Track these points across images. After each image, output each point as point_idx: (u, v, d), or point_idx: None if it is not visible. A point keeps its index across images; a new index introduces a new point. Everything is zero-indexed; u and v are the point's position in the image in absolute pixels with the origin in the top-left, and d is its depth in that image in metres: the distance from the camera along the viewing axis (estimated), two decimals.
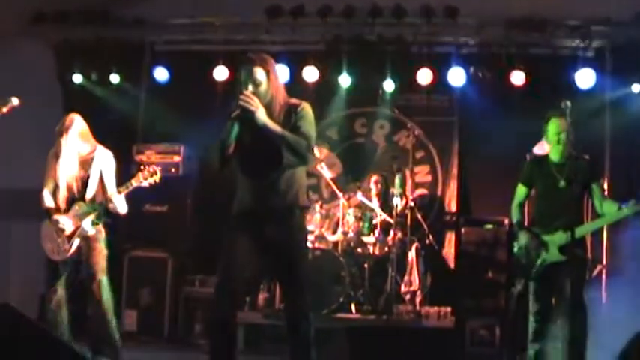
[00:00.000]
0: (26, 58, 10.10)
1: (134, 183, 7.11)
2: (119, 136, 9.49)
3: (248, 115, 5.45)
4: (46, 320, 7.17)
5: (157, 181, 7.15)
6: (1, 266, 9.78)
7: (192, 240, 9.80)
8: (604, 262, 8.80)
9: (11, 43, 9.94)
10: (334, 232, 9.26)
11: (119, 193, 7.11)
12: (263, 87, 5.62)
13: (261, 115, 5.48)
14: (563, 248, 6.71)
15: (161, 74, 10.35)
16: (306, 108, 5.76)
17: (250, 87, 5.58)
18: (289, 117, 5.67)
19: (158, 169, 7.15)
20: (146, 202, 9.56)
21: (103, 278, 7.24)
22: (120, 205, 7.16)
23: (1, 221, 9.99)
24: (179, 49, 10.54)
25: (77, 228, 7.14)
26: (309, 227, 8.89)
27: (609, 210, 6.82)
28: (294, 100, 5.80)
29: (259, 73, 5.62)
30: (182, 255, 9.62)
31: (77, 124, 7.26)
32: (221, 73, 10.07)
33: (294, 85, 9.41)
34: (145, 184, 7.13)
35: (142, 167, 7.31)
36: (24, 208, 9.16)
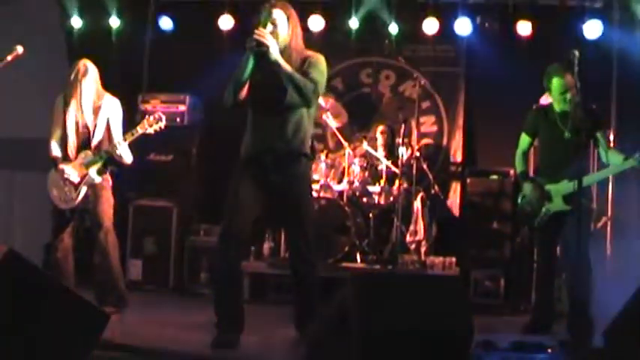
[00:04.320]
0: (29, 6, 10.01)
1: (139, 130, 7.09)
2: (123, 84, 9.45)
3: (262, 49, 5.54)
4: (52, 269, 7.19)
5: (162, 127, 7.14)
6: (3, 216, 9.78)
7: (197, 189, 9.80)
8: (609, 214, 8.78)
9: None
10: (340, 181, 9.25)
11: (124, 140, 7.09)
12: (281, 29, 5.75)
13: (275, 51, 5.59)
14: (568, 198, 6.69)
15: (166, 23, 10.30)
16: (320, 59, 5.89)
17: (269, 27, 5.66)
18: (302, 64, 5.75)
19: (163, 116, 7.14)
20: (151, 152, 9.53)
21: (110, 227, 7.25)
22: (125, 153, 7.14)
23: (3, 171, 9.97)
24: None
25: (84, 176, 7.13)
26: (315, 177, 8.91)
27: (615, 160, 6.77)
28: (309, 52, 5.88)
29: (279, 14, 5.78)
30: (187, 204, 9.61)
31: (91, 70, 7.23)
32: (226, 22, 10.01)
33: None
34: (150, 130, 7.11)
35: (146, 114, 7.30)
36: (26, 158, 9.17)
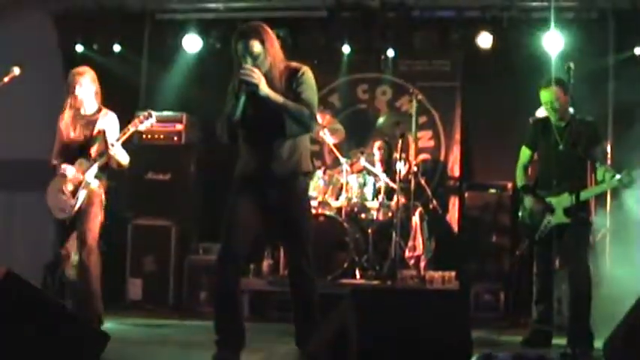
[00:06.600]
0: (27, 28, 10.04)
1: (131, 128, 7.10)
2: (121, 104, 9.46)
3: (251, 89, 5.42)
4: (68, 276, 7.19)
5: (154, 123, 7.20)
6: (3, 238, 9.78)
7: (196, 208, 9.80)
8: (607, 226, 8.77)
9: (12, 12, 9.89)
10: (337, 197, 9.24)
11: (117, 140, 7.05)
12: (261, 58, 5.59)
13: (264, 86, 5.43)
14: (569, 210, 6.69)
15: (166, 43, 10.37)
16: (307, 73, 5.72)
17: (249, 60, 5.54)
18: (290, 82, 5.63)
19: (153, 113, 7.18)
20: (149, 171, 9.56)
21: (94, 246, 7.11)
22: (120, 153, 7.08)
23: (3, 192, 9.98)
24: (179, 18, 10.47)
25: (80, 182, 7.07)
26: (312, 193, 8.90)
27: (604, 176, 6.81)
28: (294, 64, 5.76)
29: (256, 45, 5.56)
30: (186, 223, 9.63)
31: (86, 77, 7.23)
32: (223, 40, 10.05)
33: (296, 52, 9.35)
34: (142, 127, 7.16)
35: (136, 113, 7.28)
36: (25, 179, 9.16)
